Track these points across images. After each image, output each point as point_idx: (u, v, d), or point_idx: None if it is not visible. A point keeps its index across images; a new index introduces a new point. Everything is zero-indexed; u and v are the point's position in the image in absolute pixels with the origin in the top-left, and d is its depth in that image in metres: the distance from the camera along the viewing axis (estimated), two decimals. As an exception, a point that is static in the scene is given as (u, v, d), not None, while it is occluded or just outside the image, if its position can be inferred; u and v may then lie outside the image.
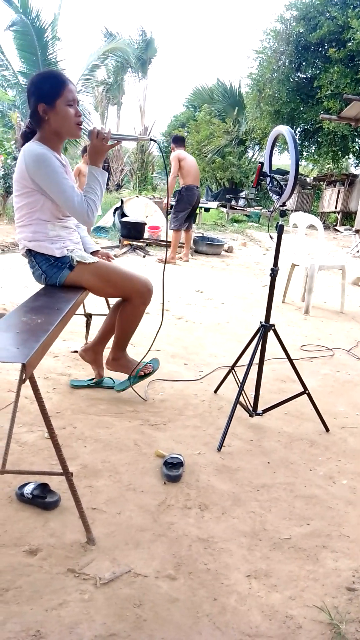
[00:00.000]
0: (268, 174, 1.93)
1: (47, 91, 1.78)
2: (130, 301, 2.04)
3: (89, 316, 2.60)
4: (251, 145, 19.18)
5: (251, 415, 2.02)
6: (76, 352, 2.64)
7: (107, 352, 2.31)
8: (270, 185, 1.93)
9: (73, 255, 1.94)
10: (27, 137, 1.89)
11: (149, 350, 2.25)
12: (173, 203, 12.34)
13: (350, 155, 16.69)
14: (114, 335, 2.17)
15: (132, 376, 2.17)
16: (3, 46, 10.31)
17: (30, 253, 1.94)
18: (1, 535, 1.30)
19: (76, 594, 1.14)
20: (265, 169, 1.96)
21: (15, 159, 8.37)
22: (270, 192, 1.97)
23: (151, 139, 2.06)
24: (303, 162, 18.37)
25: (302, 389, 2.04)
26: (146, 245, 7.50)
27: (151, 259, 6.66)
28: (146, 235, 7.71)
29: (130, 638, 1.05)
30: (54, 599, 1.12)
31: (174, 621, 1.10)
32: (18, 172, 1.81)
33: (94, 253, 2.19)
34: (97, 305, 2.91)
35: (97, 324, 2.34)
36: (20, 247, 1.98)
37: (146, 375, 2.21)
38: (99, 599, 1.13)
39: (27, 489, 1.42)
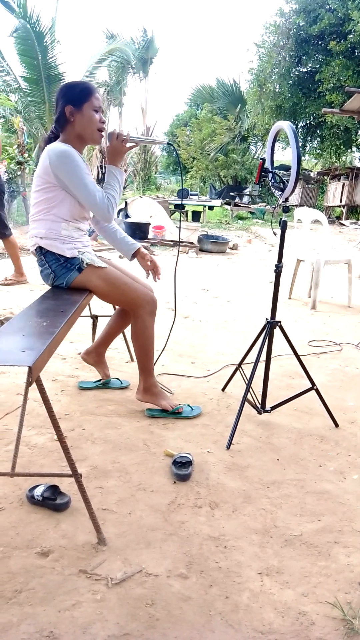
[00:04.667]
0: (270, 170, 1.92)
1: (76, 95, 1.89)
2: (137, 315, 2.01)
3: (95, 318, 2.61)
4: (254, 141, 19.13)
5: (259, 413, 2.01)
6: (83, 353, 2.65)
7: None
8: (272, 181, 1.92)
9: (83, 257, 1.95)
10: (50, 142, 1.95)
11: (162, 352, 2.23)
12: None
13: (354, 148, 16.58)
14: (136, 362, 2.10)
15: (167, 411, 2.05)
16: (4, 52, 10.36)
17: (40, 251, 1.96)
18: (13, 538, 1.31)
19: (89, 595, 1.14)
20: (267, 165, 1.95)
21: (18, 163, 8.41)
22: (272, 188, 1.96)
23: (168, 143, 2.16)
24: (307, 157, 18.28)
25: (310, 385, 2.04)
26: (151, 245, 7.51)
27: (156, 258, 6.66)
28: (150, 235, 7.72)
29: (144, 637, 1.05)
30: (67, 600, 1.12)
31: (186, 620, 1.10)
32: (41, 167, 1.86)
33: (136, 253, 2.13)
34: (103, 306, 2.93)
35: (104, 326, 2.35)
36: (31, 244, 1.99)
37: (181, 415, 2.05)
38: (112, 599, 1.14)
39: (38, 491, 1.43)
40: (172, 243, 7.64)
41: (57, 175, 1.84)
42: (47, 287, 2.02)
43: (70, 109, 1.88)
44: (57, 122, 1.94)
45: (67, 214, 1.92)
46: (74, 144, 1.92)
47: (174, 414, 2.04)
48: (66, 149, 1.83)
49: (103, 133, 1.98)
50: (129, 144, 1.97)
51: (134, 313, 2.02)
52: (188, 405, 2.11)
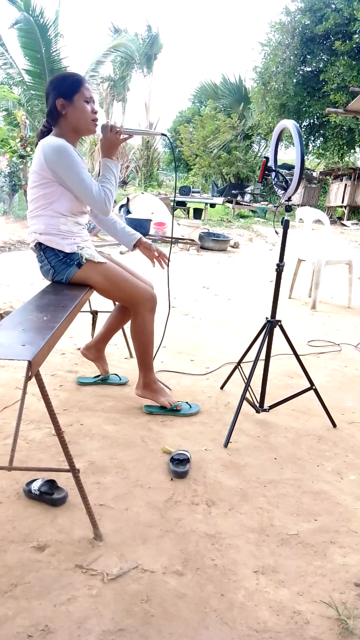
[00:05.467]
0: (273, 168, 1.91)
1: (66, 87, 1.86)
2: (137, 312, 2.00)
3: (95, 313, 2.61)
4: (257, 139, 19.08)
5: (258, 411, 2.01)
6: (83, 349, 2.65)
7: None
8: (275, 180, 1.92)
9: (83, 253, 1.94)
10: (44, 136, 1.92)
11: (158, 348, 2.23)
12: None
13: (357, 149, 16.55)
14: (135, 358, 2.09)
15: (165, 408, 2.05)
16: (7, 45, 10.32)
17: (40, 247, 1.95)
18: (10, 532, 1.31)
19: (84, 590, 1.14)
20: (271, 163, 1.95)
21: (21, 157, 8.39)
22: (275, 187, 1.96)
23: (162, 134, 2.11)
24: (309, 156, 18.24)
25: (309, 385, 2.04)
26: (152, 242, 7.50)
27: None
28: (152, 231, 7.71)
29: (139, 633, 1.05)
30: (63, 595, 1.13)
31: (181, 616, 1.10)
32: (36, 163, 1.84)
33: (137, 243, 2.15)
34: (103, 302, 2.92)
35: (103, 321, 2.35)
36: (30, 240, 1.98)
37: (180, 412, 2.05)
38: (107, 594, 1.14)
39: (35, 486, 1.43)
40: (173, 240, 7.63)
41: (54, 170, 1.82)
42: (48, 282, 2.02)
43: (61, 102, 1.85)
44: (49, 116, 1.91)
45: (65, 209, 1.90)
46: (68, 137, 1.89)
47: (173, 411, 2.04)
48: (61, 144, 1.81)
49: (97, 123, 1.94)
50: (123, 136, 1.94)
51: (133, 310, 2.01)
52: (187, 402, 2.11)
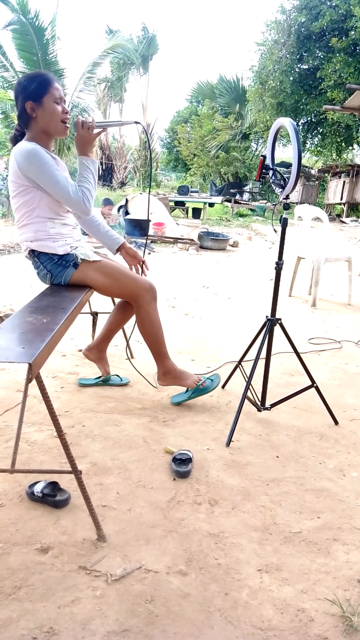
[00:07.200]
0: (270, 167, 1.91)
1: (34, 89, 1.81)
2: (139, 305, 2.00)
3: (95, 314, 2.61)
4: (255, 138, 19.10)
5: (259, 410, 2.01)
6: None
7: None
8: (273, 178, 1.92)
9: (77, 253, 1.94)
10: (17, 140, 1.89)
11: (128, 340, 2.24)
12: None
13: (355, 146, 16.55)
14: (150, 351, 2.09)
15: (193, 389, 2.08)
16: (4, 47, 10.31)
17: (33, 254, 1.95)
18: (13, 534, 1.31)
19: (88, 591, 1.15)
20: (268, 162, 1.95)
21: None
22: (273, 185, 1.96)
23: (135, 122, 2.05)
24: (307, 154, 18.24)
25: (310, 383, 2.04)
26: (151, 242, 7.50)
27: (156, 255, 6.66)
28: (151, 232, 7.71)
29: (143, 633, 1.05)
30: (67, 596, 1.13)
31: (186, 616, 1.10)
32: (11, 172, 1.82)
33: (120, 247, 2.13)
34: (103, 303, 2.92)
35: (104, 322, 2.35)
36: (23, 249, 1.98)
37: (205, 390, 2.11)
38: (111, 595, 1.14)
39: (37, 488, 1.43)
40: (172, 240, 7.63)
41: (28, 177, 1.79)
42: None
43: (30, 104, 1.81)
44: (20, 119, 1.86)
45: (49, 212, 1.89)
46: (41, 140, 1.86)
47: (199, 391, 2.08)
48: (31, 148, 1.77)
49: (68, 124, 1.91)
50: (96, 130, 1.90)
51: (135, 303, 2.02)
52: (208, 378, 2.14)
